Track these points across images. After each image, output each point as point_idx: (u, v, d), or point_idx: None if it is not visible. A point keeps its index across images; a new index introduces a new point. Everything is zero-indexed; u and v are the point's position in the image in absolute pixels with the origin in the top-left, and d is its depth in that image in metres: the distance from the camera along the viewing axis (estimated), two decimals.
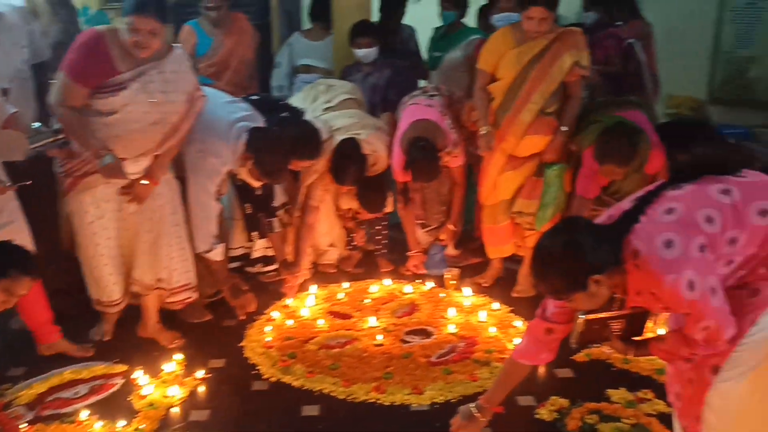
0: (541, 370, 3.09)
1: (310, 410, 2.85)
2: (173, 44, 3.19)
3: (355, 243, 4.39)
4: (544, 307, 2.19)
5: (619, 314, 2.05)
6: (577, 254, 1.90)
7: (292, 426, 2.76)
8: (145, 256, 3.30)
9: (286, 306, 3.78)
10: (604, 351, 3.17)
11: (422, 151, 3.72)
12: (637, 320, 2.10)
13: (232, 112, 3.40)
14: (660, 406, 2.75)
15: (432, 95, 4.00)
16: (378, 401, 2.89)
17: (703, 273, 1.83)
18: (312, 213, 4.00)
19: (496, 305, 3.73)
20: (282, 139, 3.41)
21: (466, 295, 3.85)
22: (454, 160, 3.96)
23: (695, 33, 6.00)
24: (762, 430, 2.02)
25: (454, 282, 3.97)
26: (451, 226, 4.22)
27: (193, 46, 4.52)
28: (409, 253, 4.20)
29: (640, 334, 2.14)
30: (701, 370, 2.01)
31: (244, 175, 3.42)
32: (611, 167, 3.27)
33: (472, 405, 2.30)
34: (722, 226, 1.88)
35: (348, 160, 3.84)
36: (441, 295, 3.90)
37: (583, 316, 2.01)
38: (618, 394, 2.88)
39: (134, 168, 3.12)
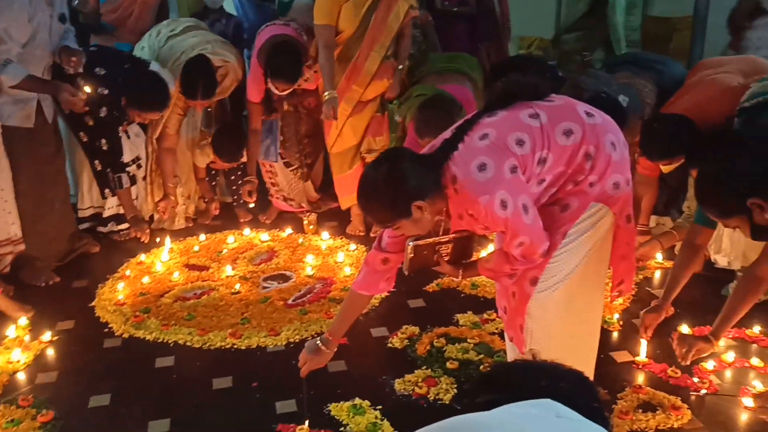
0: (395, 301, 3.21)
1: (165, 361, 2.84)
2: None
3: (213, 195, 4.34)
4: (380, 239, 2.27)
5: (446, 239, 2.16)
6: (399, 182, 1.97)
7: (146, 378, 2.74)
8: None
9: (140, 263, 3.70)
10: (453, 280, 3.33)
11: (284, 47, 3.65)
12: (464, 243, 2.22)
13: None
14: (503, 324, 2.94)
15: (286, 23, 3.93)
16: (234, 346, 2.91)
17: (515, 192, 1.96)
18: (168, 139, 3.97)
19: (353, 246, 3.82)
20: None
21: (325, 238, 3.91)
22: (311, 81, 3.89)
23: None
24: (575, 331, 2.22)
25: (313, 227, 4.02)
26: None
27: None
28: (246, 178, 4.10)
29: (469, 256, 2.27)
30: (522, 283, 2.16)
31: None
32: (429, 140, 3.26)
33: (317, 339, 2.37)
34: (532, 147, 2.01)
35: (197, 74, 3.78)
36: (299, 240, 3.94)
37: (412, 243, 2.10)
38: (465, 318, 3.06)
39: None
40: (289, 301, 3.26)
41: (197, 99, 3.82)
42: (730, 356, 2.67)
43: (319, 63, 3.66)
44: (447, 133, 2.12)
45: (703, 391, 2.50)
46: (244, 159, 4.13)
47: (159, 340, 2.97)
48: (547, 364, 1.09)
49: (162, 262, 3.67)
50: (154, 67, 3.76)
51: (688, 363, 2.58)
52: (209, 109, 4.14)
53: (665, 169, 3.19)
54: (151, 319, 3.11)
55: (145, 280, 3.49)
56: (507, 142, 1.99)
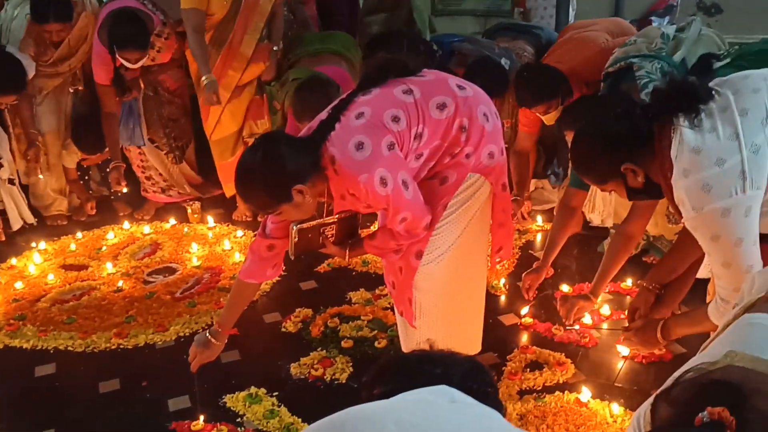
0: (287, 285, 3.19)
1: (45, 369, 2.69)
2: None
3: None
4: (264, 225, 2.23)
5: (330, 220, 2.15)
6: (277, 166, 1.94)
7: (26, 389, 2.59)
8: None
9: (11, 267, 3.47)
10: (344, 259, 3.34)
11: (124, 17, 3.46)
12: (348, 223, 2.21)
13: None
14: None
15: None
16: (120, 347, 2.80)
17: (394, 169, 1.97)
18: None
19: (239, 233, 3.74)
20: None
21: (210, 226, 3.81)
22: (164, 51, 3.70)
23: None
24: (462, 299, 2.29)
25: (197, 215, 3.90)
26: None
27: None
28: (111, 165, 3.84)
29: (354, 235, 2.27)
30: (408, 258, 2.19)
31: None
32: (308, 123, 3.19)
33: (206, 331, 2.31)
34: (407, 123, 2.02)
35: None
36: (184, 230, 3.82)
37: (296, 227, 2.08)
38: (357, 295, 3.08)
39: None
40: (177, 294, 3.16)
41: (49, 22, 3.55)
42: (605, 310, 2.82)
43: (190, 48, 3.51)
44: (323, 114, 2.10)
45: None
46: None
47: (38, 348, 2.80)
48: (443, 353, 1.13)
49: (35, 264, 3.46)
50: (11, 49, 3.51)
51: (572, 322, 2.71)
52: (78, 91, 3.89)
53: (546, 119, 3.28)
54: (28, 326, 2.93)
55: (18, 285, 3.28)
56: (383, 119, 1.99)
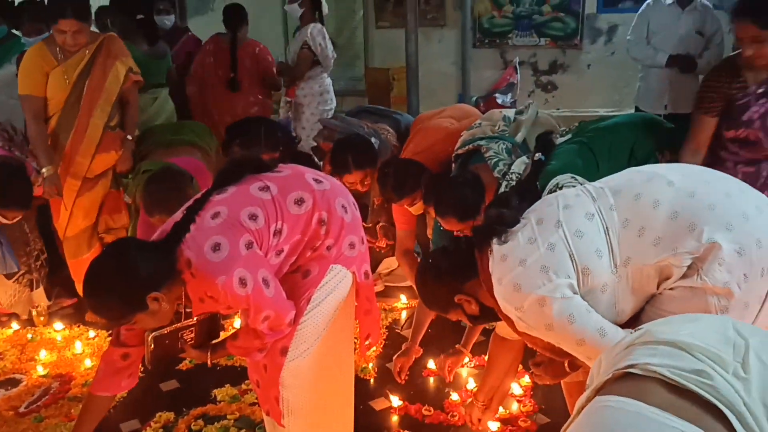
0: (145, 387, 2.99)
1: None
2: None
3: None
4: (117, 333, 2.10)
5: (188, 323, 2.06)
6: (130, 274, 1.85)
7: None
8: None
9: None
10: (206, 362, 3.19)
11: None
12: (208, 324, 2.13)
13: None
14: None
15: None
16: None
17: (254, 268, 1.93)
18: None
19: (92, 333, 3.50)
20: None
21: (59, 329, 3.54)
22: None
23: None
24: (330, 391, 2.25)
25: (43, 317, 3.62)
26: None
27: None
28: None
29: (216, 336, 2.19)
30: (272, 355, 2.13)
31: None
32: (161, 217, 2.97)
33: None
34: (266, 220, 2.00)
35: None
36: (29, 336, 3.52)
37: (151, 334, 1.97)
38: (223, 392, 2.95)
39: None
40: (21, 409, 2.88)
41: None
42: (471, 384, 2.88)
43: (30, 138, 3.33)
44: (178, 215, 2.04)
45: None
46: None
47: None
48: None
49: None
50: None
51: (450, 378, 2.83)
52: None
53: (413, 210, 3.37)
54: None
55: None
56: (240, 218, 1.96)
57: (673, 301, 1.79)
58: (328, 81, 5.04)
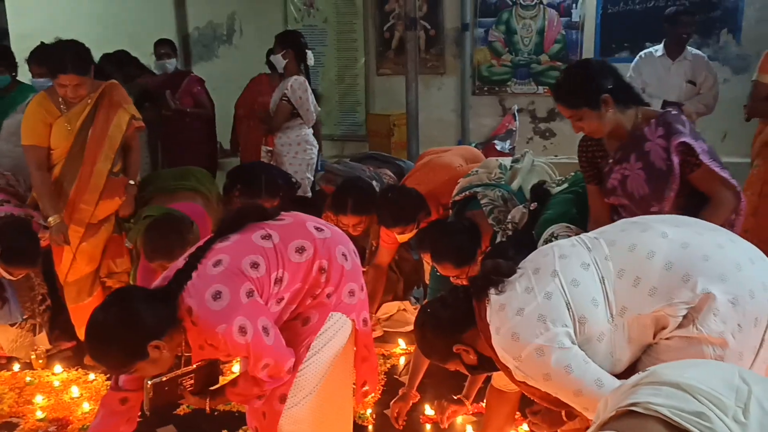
0: None
1: None
2: None
3: None
4: (117, 378, 2.12)
5: (188, 370, 2.08)
6: (132, 323, 1.88)
7: None
8: None
9: None
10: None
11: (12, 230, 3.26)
12: (208, 371, 2.15)
13: None
14: None
15: None
16: None
17: (254, 316, 1.96)
18: None
19: (92, 376, 3.49)
20: None
21: (57, 372, 3.53)
22: None
23: None
24: None
25: (42, 361, 3.61)
26: None
27: None
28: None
29: (215, 382, 2.20)
30: (271, 402, 2.15)
31: None
32: (161, 263, 3.05)
33: None
34: (267, 269, 2.04)
35: None
36: (27, 379, 3.51)
37: (151, 381, 1.99)
38: None
39: None
40: None
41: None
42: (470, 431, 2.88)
43: (34, 188, 3.39)
44: (180, 262, 2.07)
45: None
46: None
47: None
48: None
49: None
50: None
51: (446, 425, 2.81)
52: None
53: (399, 238, 3.44)
54: None
55: None
56: (241, 266, 2.00)
57: (669, 350, 1.82)
58: (307, 131, 4.91)
